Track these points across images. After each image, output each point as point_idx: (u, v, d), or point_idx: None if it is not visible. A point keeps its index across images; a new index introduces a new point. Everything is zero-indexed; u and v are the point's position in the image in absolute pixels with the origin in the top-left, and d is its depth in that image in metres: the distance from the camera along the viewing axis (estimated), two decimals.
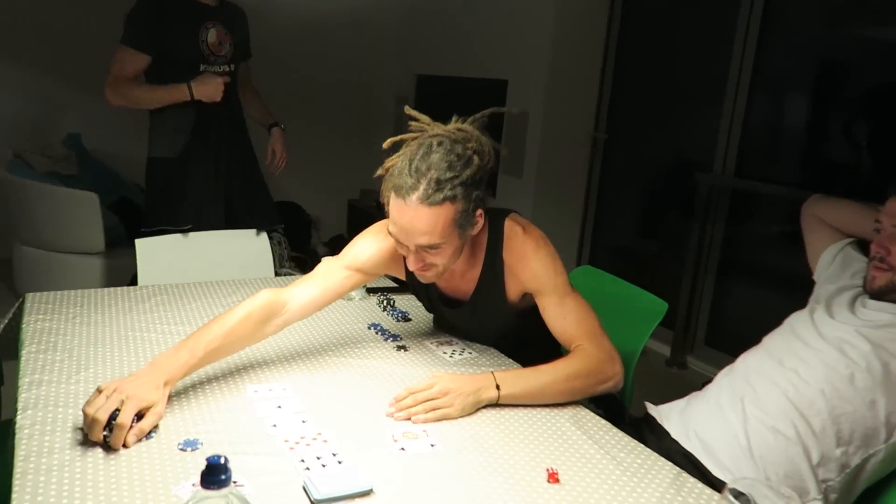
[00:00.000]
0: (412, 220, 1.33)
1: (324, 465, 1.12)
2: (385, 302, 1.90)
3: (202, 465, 0.80)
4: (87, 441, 1.13)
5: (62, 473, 1.05)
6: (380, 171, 1.41)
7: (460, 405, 1.29)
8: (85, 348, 1.50)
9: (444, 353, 1.62)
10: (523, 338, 1.61)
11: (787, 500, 1.25)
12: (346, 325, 1.75)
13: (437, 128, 1.42)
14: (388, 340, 1.67)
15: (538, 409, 1.36)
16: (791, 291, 3.31)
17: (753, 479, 1.02)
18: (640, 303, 1.89)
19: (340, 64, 5.02)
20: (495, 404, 1.34)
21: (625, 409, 1.80)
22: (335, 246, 4.90)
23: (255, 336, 1.41)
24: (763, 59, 3.19)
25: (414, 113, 1.46)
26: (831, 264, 1.58)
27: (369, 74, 5.16)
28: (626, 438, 1.28)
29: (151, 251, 2.23)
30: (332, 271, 1.54)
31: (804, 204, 1.72)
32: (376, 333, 1.71)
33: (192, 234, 2.36)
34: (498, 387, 1.33)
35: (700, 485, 1.14)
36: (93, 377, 1.37)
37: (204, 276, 2.12)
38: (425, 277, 1.46)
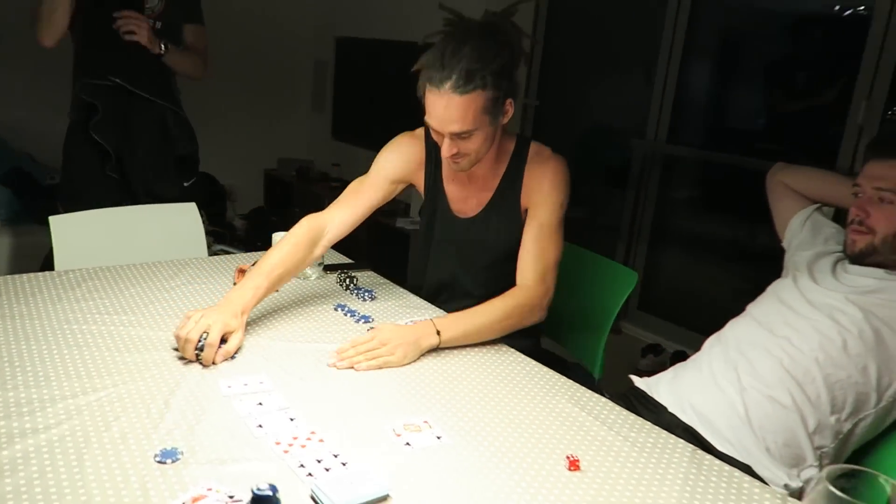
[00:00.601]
0: (445, 108, 1.40)
1: (327, 469, 1.00)
2: (347, 280, 1.77)
3: (188, 480, 0.67)
4: (57, 449, 0.96)
5: (19, 500, 0.88)
6: (416, 67, 1.46)
7: (402, 353, 1.34)
8: (16, 346, 1.29)
9: None
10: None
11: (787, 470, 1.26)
12: (310, 307, 1.61)
13: (467, 21, 1.49)
14: (360, 322, 1.55)
15: (534, 392, 1.29)
16: (718, 256, 3.50)
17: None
18: (609, 273, 1.86)
19: (254, 25, 4.69)
20: (439, 349, 1.41)
21: (593, 380, 1.78)
22: (254, 219, 4.64)
23: (308, 259, 1.55)
24: (697, 24, 3.23)
25: (447, 7, 1.53)
26: (801, 230, 1.60)
27: (285, 36, 4.87)
28: (633, 417, 1.24)
29: (68, 230, 1.98)
30: (362, 188, 1.64)
31: (769, 172, 1.72)
32: (345, 315, 1.58)
33: (112, 210, 2.12)
34: (438, 332, 1.40)
35: (718, 462, 1.11)
36: (33, 381, 1.18)
37: (128, 256, 1.91)
38: (458, 165, 1.51)
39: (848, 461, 1.35)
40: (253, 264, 1.72)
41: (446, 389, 1.28)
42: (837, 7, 2.86)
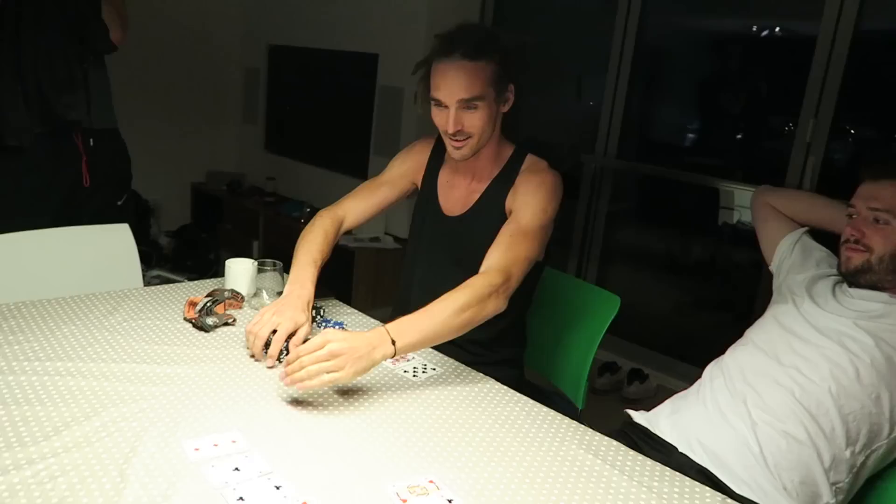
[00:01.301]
0: (455, 75, 1.43)
1: None
2: (312, 311, 1.60)
3: None
4: None
5: None
6: (415, 70, 1.51)
7: (352, 369, 1.19)
8: None
9: (405, 371, 1.38)
10: None
11: None
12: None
13: None
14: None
15: (541, 437, 1.18)
16: (665, 270, 3.52)
17: None
18: (591, 299, 1.77)
19: (179, 29, 4.42)
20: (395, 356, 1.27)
21: (577, 410, 1.69)
22: (182, 236, 4.35)
23: (331, 247, 1.62)
24: (643, 38, 3.23)
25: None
26: (791, 253, 1.56)
27: (213, 43, 4.61)
28: (650, 462, 1.14)
29: None
30: (375, 184, 1.72)
31: (754, 194, 1.69)
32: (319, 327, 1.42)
33: (35, 233, 1.87)
34: (393, 341, 1.25)
35: None
36: None
37: (55, 285, 1.68)
38: (460, 151, 1.51)
39: (857, 495, 1.30)
40: (208, 295, 1.54)
41: (445, 438, 1.14)
42: (755, 28, 2.98)
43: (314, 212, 4.13)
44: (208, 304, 1.51)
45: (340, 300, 1.75)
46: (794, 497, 1.21)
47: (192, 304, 1.54)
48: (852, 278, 1.37)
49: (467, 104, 1.45)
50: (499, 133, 1.58)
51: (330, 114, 4.24)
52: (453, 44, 1.43)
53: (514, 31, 1.58)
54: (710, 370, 1.41)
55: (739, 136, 3.21)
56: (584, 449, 1.15)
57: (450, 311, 1.30)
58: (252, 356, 1.35)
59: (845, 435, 1.23)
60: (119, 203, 2.44)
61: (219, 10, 4.58)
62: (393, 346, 1.24)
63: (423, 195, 1.71)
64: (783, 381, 1.28)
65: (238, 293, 1.62)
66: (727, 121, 3.26)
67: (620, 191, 3.46)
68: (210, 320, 1.47)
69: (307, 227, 1.64)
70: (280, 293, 1.63)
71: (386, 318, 1.40)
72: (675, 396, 1.45)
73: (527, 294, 1.65)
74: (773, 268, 1.59)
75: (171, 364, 1.30)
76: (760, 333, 1.41)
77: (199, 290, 1.69)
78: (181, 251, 4.20)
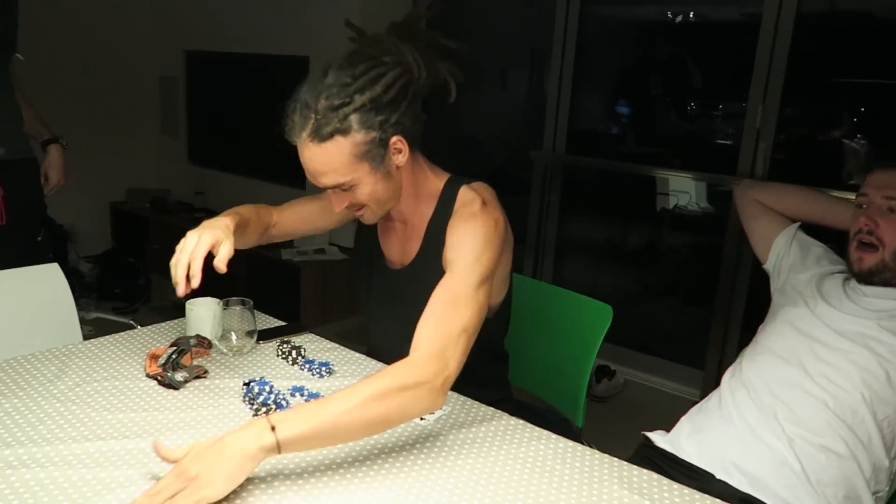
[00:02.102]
0: (308, 160, 1.20)
1: None
2: (289, 351, 1.44)
3: None
4: None
5: None
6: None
7: (222, 479, 0.92)
8: None
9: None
10: None
11: None
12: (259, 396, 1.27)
13: (361, 42, 1.26)
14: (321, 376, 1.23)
15: (573, 478, 1.07)
16: (615, 260, 3.51)
17: None
18: (584, 310, 1.68)
19: (88, 37, 4.06)
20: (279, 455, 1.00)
21: (575, 429, 1.60)
22: (104, 261, 4.02)
23: (256, 237, 1.44)
24: (584, 33, 3.18)
25: (351, 25, 1.31)
26: (789, 251, 1.51)
27: (126, 50, 4.27)
28: (698, 495, 1.05)
29: None
30: (313, 203, 1.52)
31: (739, 191, 1.64)
32: (301, 369, 1.26)
33: None
34: (273, 428, 0.95)
35: None
36: None
37: None
38: (363, 219, 1.34)
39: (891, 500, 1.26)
40: (172, 345, 1.35)
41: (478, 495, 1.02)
42: (670, 14, 3.03)
43: None
44: (174, 357, 1.33)
45: (288, 319, 1.60)
46: None
47: (154, 357, 1.35)
48: (865, 279, 1.33)
49: (339, 187, 1.22)
50: (412, 173, 1.31)
51: (261, 121, 4.01)
52: (298, 112, 1.16)
53: (402, 45, 1.22)
54: (729, 383, 1.34)
55: (672, 122, 3.24)
56: (627, 488, 1.05)
57: (358, 399, 1.00)
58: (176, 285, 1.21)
59: (882, 442, 1.18)
60: (39, 238, 2.20)
61: (127, 15, 4.24)
62: (273, 437, 0.94)
63: (362, 245, 1.51)
64: (814, 391, 1.22)
65: (204, 338, 1.44)
66: (659, 108, 3.28)
67: (570, 184, 3.42)
68: (179, 375, 1.29)
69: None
70: (252, 332, 1.46)
71: (342, 335, 1.24)
72: (692, 412, 1.38)
73: (498, 331, 1.50)
74: (768, 267, 1.54)
75: (144, 435, 1.11)
76: (778, 340, 1.34)
77: (156, 337, 1.50)
78: (106, 278, 3.87)
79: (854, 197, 1.39)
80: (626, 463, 1.13)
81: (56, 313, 1.74)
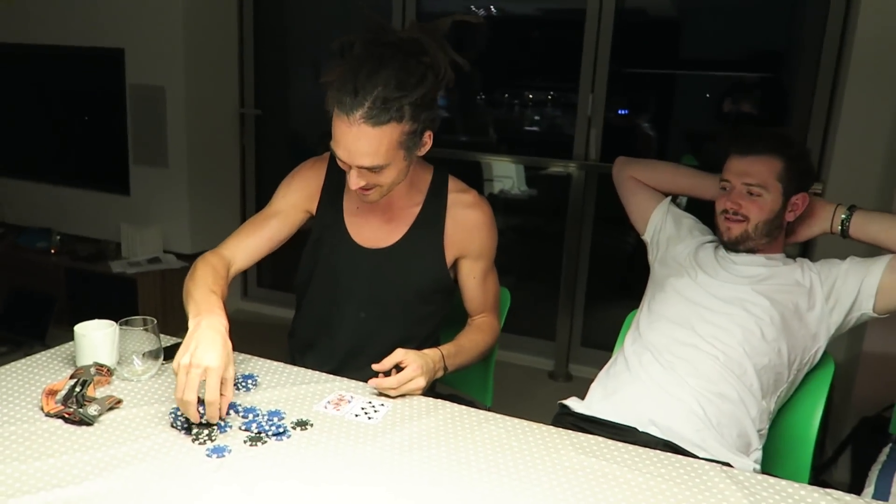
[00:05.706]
0: (355, 139, 1.24)
1: None
2: None
3: None
4: None
5: None
6: (324, 78, 1.29)
7: (426, 381, 1.32)
8: None
9: (355, 415, 1.23)
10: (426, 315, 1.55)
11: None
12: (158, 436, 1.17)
13: (391, 34, 1.32)
14: (273, 422, 1.17)
15: (533, 451, 1.13)
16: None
17: None
18: None
19: None
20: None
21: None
22: None
23: (225, 285, 1.39)
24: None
25: (370, 13, 1.34)
26: (665, 224, 1.68)
27: None
28: (641, 450, 1.16)
29: None
30: (261, 219, 1.50)
31: (615, 168, 1.79)
32: (243, 418, 1.19)
33: None
34: (445, 368, 1.39)
35: (749, 472, 1.11)
36: None
37: None
38: (367, 198, 1.37)
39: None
40: (73, 377, 1.20)
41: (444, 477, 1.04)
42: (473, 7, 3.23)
43: (66, 238, 3.53)
44: (77, 390, 1.18)
45: None
46: (736, 450, 1.33)
47: (52, 393, 1.19)
48: (733, 247, 1.53)
49: (371, 169, 1.28)
50: (414, 162, 1.40)
51: (69, 121, 3.58)
52: (356, 95, 1.21)
53: (438, 50, 1.32)
54: (633, 348, 1.48)
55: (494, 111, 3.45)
56: (577, 450, 1.14)
57: (479, 350, 1.52)
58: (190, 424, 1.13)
59: (761, 388, 1.39)
60: None
61: None
62: (444, 371, 1.39)
63: (324, 223, 1.51)
64: (706, 349, 1.40)
65: (103, 366, 1.29)
66: (482, 98, 3.47)
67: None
68: (93, 409, 1.15)
69: (189, 272, 1.37)
70: (156, 351, 1.34)
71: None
72: (601, 377, 1.51)
73: (442, 315, 1.61)
74: (646, 238, 1.71)
75: (75, 482, 0.99)
76: (670, 307, 1.50)
77: (38, 371, 1.31)
78: None
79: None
80: (579, 433, 1.21)
81: None
